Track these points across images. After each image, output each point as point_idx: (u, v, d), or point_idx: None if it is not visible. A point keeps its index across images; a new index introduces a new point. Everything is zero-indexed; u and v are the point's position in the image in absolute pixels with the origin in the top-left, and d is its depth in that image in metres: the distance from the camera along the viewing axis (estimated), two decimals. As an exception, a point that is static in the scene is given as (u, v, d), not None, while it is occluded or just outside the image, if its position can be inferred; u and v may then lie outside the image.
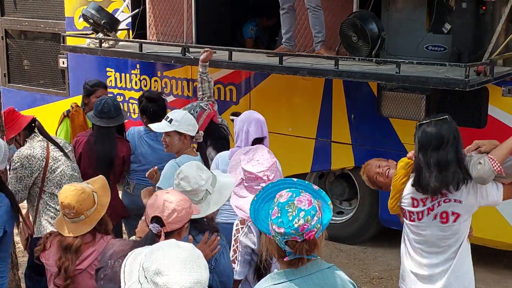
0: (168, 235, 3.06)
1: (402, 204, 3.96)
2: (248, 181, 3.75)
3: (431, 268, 3.90)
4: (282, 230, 2.45)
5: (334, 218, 7.32)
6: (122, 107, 5.69)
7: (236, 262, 3.72)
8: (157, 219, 3.08)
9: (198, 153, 4.81)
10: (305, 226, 2.44)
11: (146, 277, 2.21)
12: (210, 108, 5.33)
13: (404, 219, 4.00)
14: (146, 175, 4.80)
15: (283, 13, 6.70)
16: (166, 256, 2.23)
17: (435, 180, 3.71)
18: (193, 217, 3.27)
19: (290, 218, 2.45)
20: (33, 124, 5.10)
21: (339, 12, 6.49)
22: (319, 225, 2.48)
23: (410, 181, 3.89)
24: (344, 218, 7.35)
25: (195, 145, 5.00)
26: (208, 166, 4.73)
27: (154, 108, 5.59)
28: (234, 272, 3.68)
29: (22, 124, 5.05)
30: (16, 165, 4.83)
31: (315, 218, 2.47)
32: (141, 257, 2.35)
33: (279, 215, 2.47)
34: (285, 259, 2.50)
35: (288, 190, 2.55)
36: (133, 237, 3.46)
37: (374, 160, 4.26)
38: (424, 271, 3.92)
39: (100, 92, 6.15)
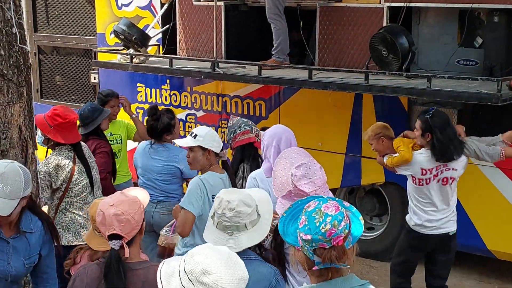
0: (131, 242, 3.07)
1: (408, 171, 5.38)
2: (297, 196, 3.60)
3: (436, 214, 5.38)
4: (309, 237, 2.42)
5: (364, 234, 7.26)
6: (78, 121, 5.79)
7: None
8: (115, 236, 3.03)
9: (224, 171, 4.75)
10: (332, 231, 2.40)
11: (190, 280, 2.28)
12: (257, 134, 5.32)
13: (412, 184, 5.41)
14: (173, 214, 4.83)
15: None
16: (208, 257, 2.33)
17: (454, 151, 5.23)
18: (258, 242, 3.24)
19: (317, 224, 2.41)
20: (73, 146, 5.17)
21: (369, 27, 6.47)
22: (346, 231, 2.44)
23: (421, 155, 5.32)
24: (374, 234, 7.28)
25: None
26: (234, 184, 4.73)
27: (151, 123, 5.83)
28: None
29: (67, 140, 5.09)
30: (42, 174, 4.95)
31: (343, 223, 2.43)
32: (175, 264, 2.39)
33: (306, 222, 2.44)
34: (313, 269, 2.46)
35: (316, 199, 2.52)
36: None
37: (377, 133, 5.66)
38: (431, 217, 5.38)
39: (113, 101, 6.67)
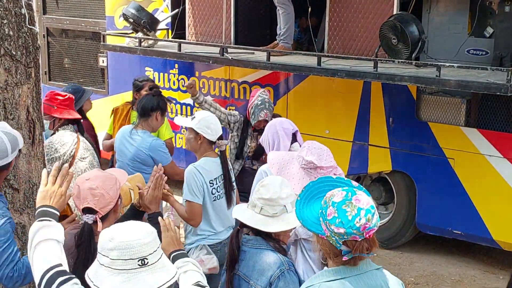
0: (104, 218, 3.15)
1: None
2: (307, 170, 4.12)
3: None
4: (342, 231, 2.42)
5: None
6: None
7: None
8: (88, 210, 3.13)
9: (217, 155, 4.72)
10: (367, 225, 2.42)
11: (100, 252, 2.36)
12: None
13: None
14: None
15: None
16: (115, 228, 2.40)
17: None
18: (264, 229, 3.26)
19: (350, 218, 2.41)
20: (76, 123, 5.22)
21: (379, 14, 6.43)
22: (378, 223, 2.47)
23: None
24: (380, 222, 7.27)
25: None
26: (227, 169, 4.70)
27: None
28: None
29: (73, 114, 5.23)
30: (48, 150, 4.97)
31: (375, 216, 2.45)
32: None
33: (336, 215, 2.43)
34: (343, 259, 2.46)
35: (341, 189, 2.51)
36: None
37: None
38: None
39: (148, 85, 6.43)
